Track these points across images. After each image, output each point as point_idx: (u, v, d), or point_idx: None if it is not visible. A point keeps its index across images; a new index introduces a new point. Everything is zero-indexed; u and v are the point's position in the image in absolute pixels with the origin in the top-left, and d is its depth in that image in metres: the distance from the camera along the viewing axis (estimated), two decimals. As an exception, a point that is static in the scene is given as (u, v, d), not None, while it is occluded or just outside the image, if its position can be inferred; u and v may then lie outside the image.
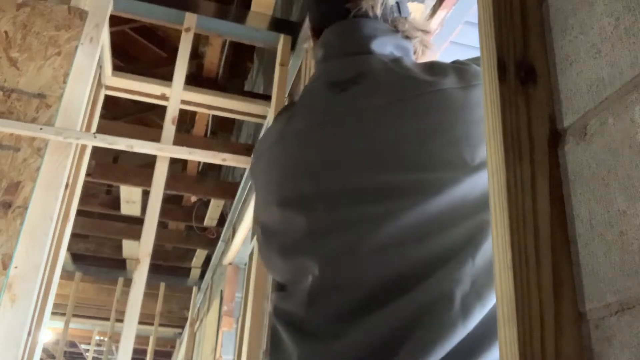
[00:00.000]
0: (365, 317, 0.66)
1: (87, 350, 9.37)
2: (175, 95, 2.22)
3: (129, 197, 4.40)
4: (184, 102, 2.56)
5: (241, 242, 3.74)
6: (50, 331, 7.21)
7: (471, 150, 0.69)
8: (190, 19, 2.40)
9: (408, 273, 0.66)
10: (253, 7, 2.75)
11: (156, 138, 2.12)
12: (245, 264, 3.68)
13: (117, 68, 2.54)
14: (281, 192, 0.80)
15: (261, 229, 0.83)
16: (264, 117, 2.79)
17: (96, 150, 2.55)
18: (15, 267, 1.63)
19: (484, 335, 0.65)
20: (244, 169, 3.41)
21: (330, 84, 0.81)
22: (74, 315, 6.32)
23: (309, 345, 0.69)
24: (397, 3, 0.90)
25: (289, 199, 0.78)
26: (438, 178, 0.68)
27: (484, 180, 0.65)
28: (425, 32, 0.91)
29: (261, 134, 2.90)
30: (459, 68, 0.76)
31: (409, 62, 0.82)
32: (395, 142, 0.71)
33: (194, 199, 4.75)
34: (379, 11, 0.87)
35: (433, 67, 0.78)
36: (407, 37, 0.88)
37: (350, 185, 0.72)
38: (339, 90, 0.79)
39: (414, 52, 0.90)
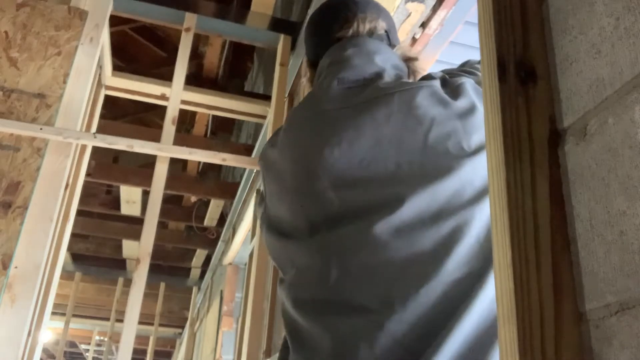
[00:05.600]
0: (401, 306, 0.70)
1: (87, 350, 9.37)
2: (175, 95, 2.22)
3: (129, 197, 4.40)
4: (184, 102, 2.56)
5: (241, 242, 3.74)
6: (50, 331, 7.21)
7: (467, 138, 0.77)
8: (190, 19, 2.40)
9: (428, 250, 0.72)
10: (253, 7, 2.75)
11: (156, 138, 2.12)
12: (245, 264, 3.68)
13: (117, 68, 2.54)
14: (307, 167, 0.84)
15: (268, 220, 0.89)
16: (264, 117, 2.78)
17: (96, 150, 2.55)
18: (15, 267, 1.63)
19: (494, 333, 0.68)
20: (244, 169, 3.41)
21: (338, 80, 0.88)
22: (74, 315, 6.32)
23: (351, 321, 0.71)
24: (386, 32, 0.97)
25: (317, 174, 0.82)
26: (443, 163, 0.75)
27: (483, 163, 0.72)
28: (413, 59, 0.98)
29: (261, 135, 2.90)
30: (444, 78, 0.86)
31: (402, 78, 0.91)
32: (404, 131, 0.79)
33: (194, 199, 4.75)
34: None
35: (422, 77, 0.90)
36: (403, 60, 0.95)
37: (373, 169, 0.78)
38: (347, 88, 0.87)
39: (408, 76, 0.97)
